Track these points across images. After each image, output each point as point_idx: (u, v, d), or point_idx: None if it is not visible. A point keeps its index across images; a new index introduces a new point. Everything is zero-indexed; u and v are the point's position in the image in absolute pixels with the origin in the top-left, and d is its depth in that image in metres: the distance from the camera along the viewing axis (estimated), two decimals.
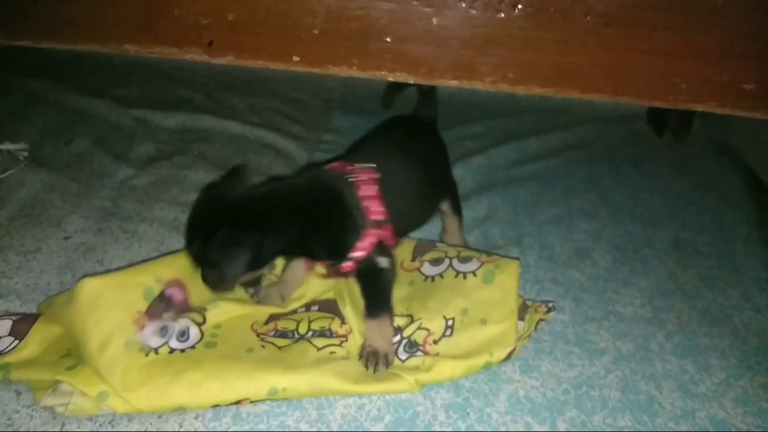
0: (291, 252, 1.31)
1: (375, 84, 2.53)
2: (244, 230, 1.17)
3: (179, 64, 2.56)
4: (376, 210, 1.27)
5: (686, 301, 1.52)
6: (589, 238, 1.72)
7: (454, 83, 1.24)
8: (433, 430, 1.15)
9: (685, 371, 1.32)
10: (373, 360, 1.22)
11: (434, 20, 1.17)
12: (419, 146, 1.48)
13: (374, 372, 1.21)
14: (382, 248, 1.29)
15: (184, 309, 1.29)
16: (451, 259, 1.41)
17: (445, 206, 1.57)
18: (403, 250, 1.46)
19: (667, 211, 1.87)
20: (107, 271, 1.46)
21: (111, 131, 2.08)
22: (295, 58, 1.22)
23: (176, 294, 1.29)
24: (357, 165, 1.32)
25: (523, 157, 2.09)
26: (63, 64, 2.51)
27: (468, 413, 1.19)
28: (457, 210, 1.60)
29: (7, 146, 1.89)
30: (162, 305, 1.26)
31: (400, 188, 1.35)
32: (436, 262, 1.42)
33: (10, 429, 1.10)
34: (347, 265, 1.28)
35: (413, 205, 1.43)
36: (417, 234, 1.54)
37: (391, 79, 1.24)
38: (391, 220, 1.29)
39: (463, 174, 1.95)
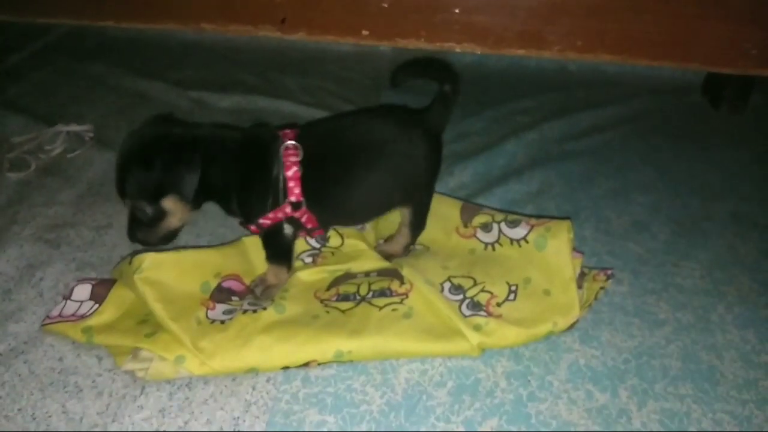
0: (212, 197, 1.32)
1: None
2: (187, 151, 1.22)
3: (232, 45, 2.62)
4: (294, 192, 1.26)
5: (746, 273, 1.50)
6: (647, 211, 1.71)
7: (521, 52, 1.24)
8: (495, 395, 1.18)
9: (747, 341, 1.32)
10: (261, 285, 1.35)
11: None
12: (392, 144, 1.32)
13: (260, 294, 1.33)
14: (293, 223, 1.32)
15: (245, 294, 1.36)
16: (498, 223, 1.43)
17: (405, 214, 1.42)
18: (451, 214, 1.49)
19: (725, 184, 1.84)
20: (175, 245, 1.51)
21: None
22: (365, 32, 1.24)
23: (234, 285, 1.36)
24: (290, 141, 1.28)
25: (577, 132, 2.08)
26: (121, 48, 2.59)
27: (529, 380, 1.21)
28: (414, 225, 1.44)
29: (73, 128, 1.97)
30: (223, 295, 1.33)
31: (338, 177, 1.30)
32: (485, 227, 1.44)
33: (95, 391, 1.17)
34: (253, 227, 1.32)
35: (351, 199, 1.34)
36: None
37: (458, 50, 1.25)
38: (316, 206, 1.29)
39: (515, 149, 1.96)
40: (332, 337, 1.21)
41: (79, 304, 1.31)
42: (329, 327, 1.24)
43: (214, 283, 1.33)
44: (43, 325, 1.28)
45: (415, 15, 1.23)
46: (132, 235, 1.29)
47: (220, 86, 2.31)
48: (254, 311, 1.26)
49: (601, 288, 1.38)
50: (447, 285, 1.35)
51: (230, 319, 1.25)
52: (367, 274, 1.41)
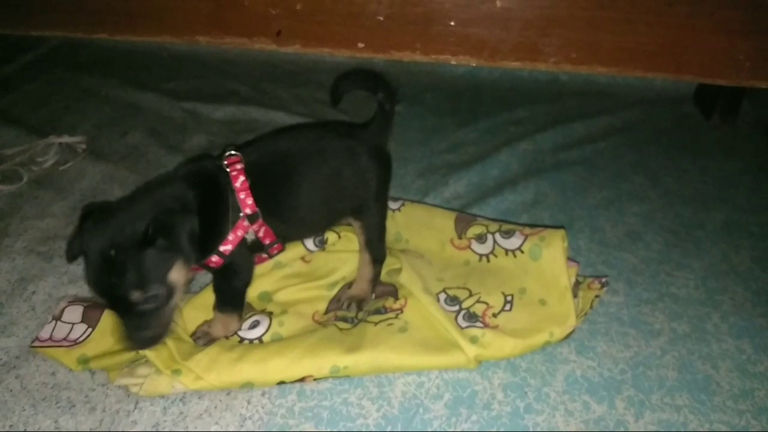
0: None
1: (415, 72, 2.56)
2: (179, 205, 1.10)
3: (224, 57, 2.62)
4: (247, 203, 1.19)
5: (740, 283, 1.51)
6: (640, 221, 1.72)
7: (516, 65, 1.25)
8: (492, 407, 1.18)
9: (742, 351, 1.32)
10: (204, 338, 1.25)
11: (498, 2, 1.18)
12: (333, 153, 1.30)
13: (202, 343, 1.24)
14: (254, 246, 1.24)
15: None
16: (493, 234, 1.43)
17: (359, 233, 1.37)
18: (446, 225, 1.48)
19: (717, 193, 1.85)
20: None
21: (163, 124, 2.14)
22: (360, 45, 1.24)
23: None
24: (228, 153, 1.22)
25: (570, 142, 2.08)
26: (113, 59, 2.59)
27: (526, 392, 1.21)
28: (371, 247, 1.37)
29: (66, 139, 1.96)
30: None
31: (285, 186, 1.25)
32: (479, 238, 1.44)
33: (88, 406, 1.15)
34: (215, 260, 1.19)
35: (300, 207, 1.29)
36: None
37: (453, 62, 1.25)
38: (270, 216, 1.22)
39: (509, 159, 1.96)
40: (328, 352, 1.20)
41: (70, 326, 1.28)
42: (326, 341, 1.23)
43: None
44: (33, 347, 1.26)
45: (410, 27, 1.23)
46: (140, 342, 1.09)
47: (214, 97, 2.31)
48: (250, 341, 1.25)
49: (596, 296, 1.38)
50: (442, 296, 1.35)
51: (228, 336, 1.24)
52: None
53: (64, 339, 1.26)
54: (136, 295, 1.03)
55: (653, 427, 1.15)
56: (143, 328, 1.07)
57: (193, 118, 2.18)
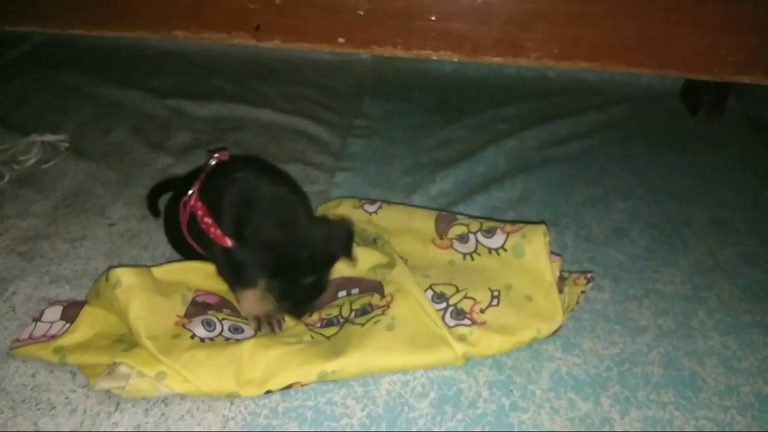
0: None
1: (402, 69, 2.55)
2: None
3: (210, 54, 2.59)
4: None
5: (726, 279, 1.51)
6: (627, 217, 1.71)
7: (498, 60, 1.24)
8: (477, 406, 1.17)
9: (728, 347, 1.32)
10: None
11: None
12: None
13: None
14: None
15: (222, 307, 1.32)
16: (474, 233, 1.41)
17: None
18: (426, 226, 1.46)
19: (704, 190, 1.85)
20: (153, 257, 1.50)
21: (147, 121, 2.12)
22: (341, 40, 1.23)
23: (209, 299, 1.32)
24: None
25: (557, 139, 2.08)
26: (96, 56, 2.56)
27: (511, 390, 1.20)
28: None
29: (48, 138, 1.93)
30: (198, 309, 1.29)
31: None
32: (461, 238, 1.43)
33: (69, 408, 1.13)
34: None
35: None
36: None
37: (435, 58, 1.25)
38: None
39: (496, 157, 1.96)
40: (315, 357, 1.18)
41: (49, 325, 1.26)
42: (312, 347, 1.21)
43: (189, 297, 1.30)
44: (12, 349, 1.24)
45: (391, 22, 1.22)
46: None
47: (199, 95, 2.28)
48: (237, 341, 1.22)
49: (582, 292, 1.37)
50: (429, 293, 1.33)
51: (213, 337, 1.22)
52: (348, 291, 1.39)
53: (43, 335, 1.24)
54: None
55: (639, 424, 1.15)
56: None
57: (177, 115, 2.16)
